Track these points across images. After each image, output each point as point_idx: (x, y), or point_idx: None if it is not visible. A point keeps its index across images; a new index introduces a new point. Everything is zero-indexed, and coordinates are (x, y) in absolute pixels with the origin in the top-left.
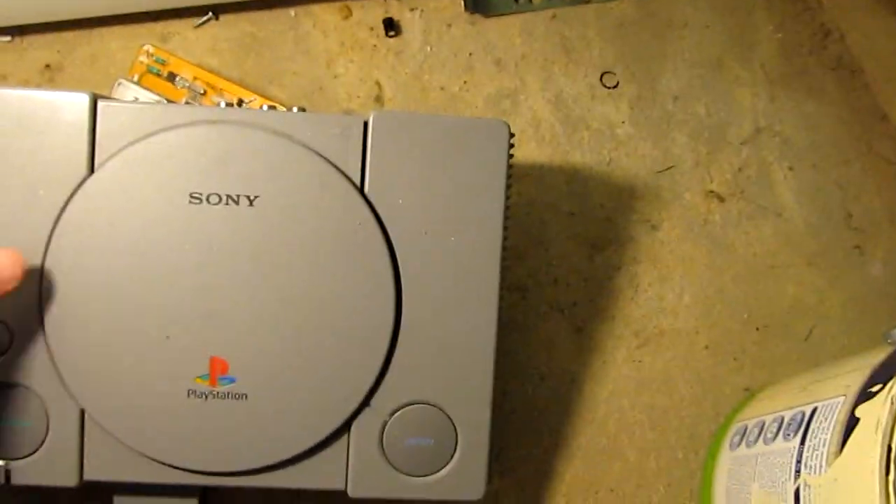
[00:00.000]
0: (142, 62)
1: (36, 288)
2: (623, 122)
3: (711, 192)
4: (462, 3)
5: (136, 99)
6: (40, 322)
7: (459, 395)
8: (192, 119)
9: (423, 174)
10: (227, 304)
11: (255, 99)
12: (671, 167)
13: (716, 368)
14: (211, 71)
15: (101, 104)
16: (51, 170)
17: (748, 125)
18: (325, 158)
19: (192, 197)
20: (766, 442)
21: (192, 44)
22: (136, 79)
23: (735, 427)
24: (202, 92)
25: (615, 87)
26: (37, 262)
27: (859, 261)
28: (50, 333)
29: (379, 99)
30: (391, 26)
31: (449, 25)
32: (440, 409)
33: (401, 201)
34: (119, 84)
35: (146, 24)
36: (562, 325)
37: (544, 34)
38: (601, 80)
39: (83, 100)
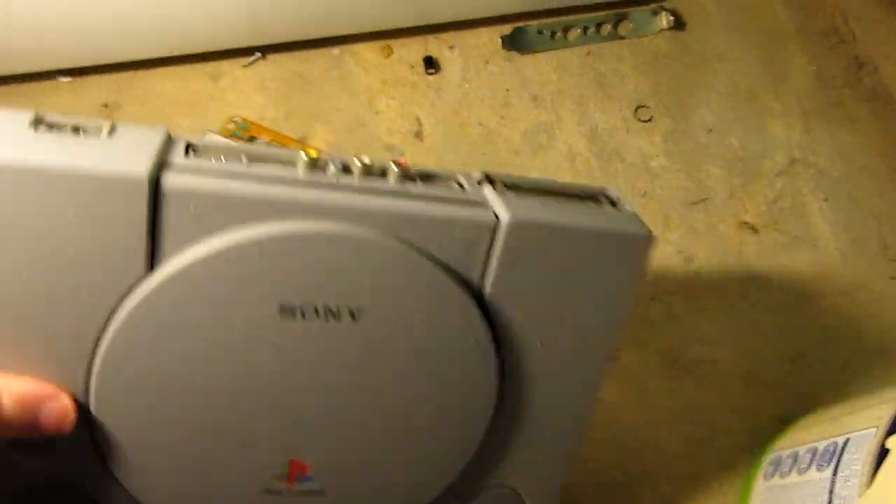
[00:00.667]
0: (228, 127)
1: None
2: (657, 155)
3: (746, 223)
4: (499, 40)
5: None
6: (88, 420)
7: (536, 478)
8: (282, 206)
9: (552, 286)
10: (312, 412)
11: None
12: (705, 199)
13: (750, 399)
14: (280, 132)
15: (168, 180)
16: (100, 262)
17: (782, 157)
18: (443, 265)
19: (282, 309)
20: (799, 472)
21: (241, 82)
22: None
23: (769, 457)
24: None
25: (649, 120)
26: (83, 363)
27: (895, 292)
28: (100, 430)
29: (419, 134)
30: (431, 64)
31: (486, 62)
32: (514, 490)
33: (522, 313)
34: (205, 135)
35: (197, 64)
36: None
37: (579, 69)
38: (635, 113)
39: (140, 175)
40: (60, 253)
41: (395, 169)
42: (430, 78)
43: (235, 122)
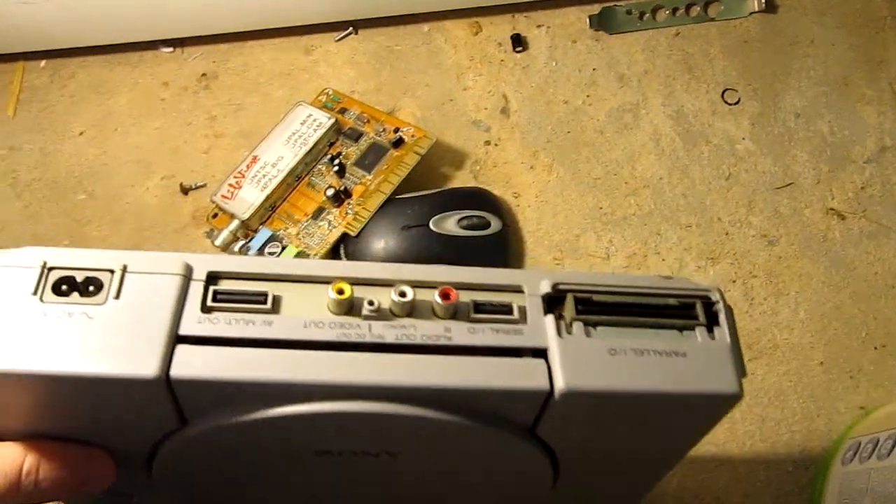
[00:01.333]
0: (320, 99)
1: None
2: (743, 139)
3: (832, 209)
4: (587, 20)
5: (310, 116)
6: None
7: None
8: (304, 389)
9: (616, 428)
10: None
11: (411, 128)
12: (791, 184)
13: (830, 385)
14: (370, 105)
15: (177, 372)
16: (134, 420)
17: (873, 144)
18: (489, 416)
19: (318, 452)
20: (879, 458)
21: (333, 56)
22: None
23: (848, 443)
24: (367, 121)
25: (736, 103)
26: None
27: None
28: None
29: (505, 111)
30: (518, 42)
31: (574, 41)
32: None
33: (579, 444)
34: (298, 105)
35: (292, 37)
36: None
37: (667, 51)
38: (723, 96)
39: (148, 376)
40: (97, 412)
41: (440, 303)
42: (518, 56)
43: (327, 95)
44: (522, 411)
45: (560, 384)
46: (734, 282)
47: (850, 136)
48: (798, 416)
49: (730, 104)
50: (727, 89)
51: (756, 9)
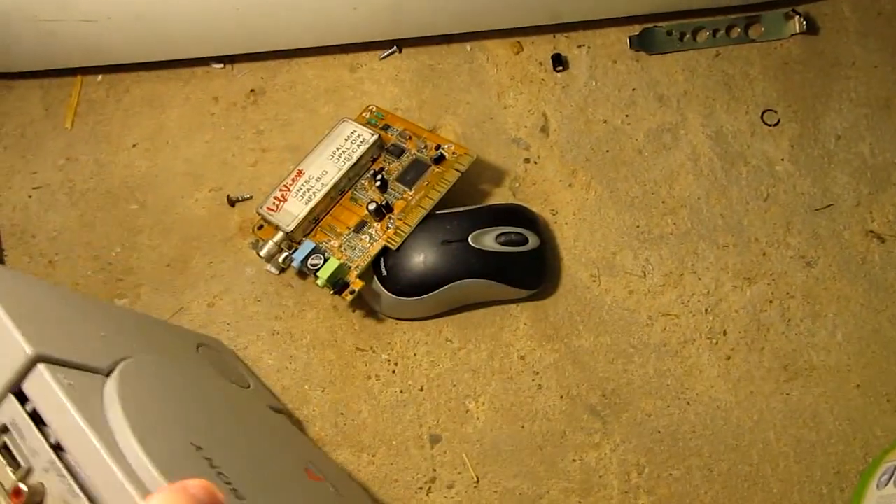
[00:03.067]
0: (364, 116)
1: None
2: (783, 160)
3: (872, 232)
4: (627, 41)
5: (354, 132)
6: None
7: None
8: None
9: None
10: None
11: (452, 145)
12: (830, 205)
13: (867, 408)
14: (413, 122)
15: None
16: None
17: None
18: None
19: None
20: None
21: (377, 73)
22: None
23: (884, 467)
24: (409, 138)
25: (776, 124)
26: None
27: None
28: None
29: (545, 129)
30: (559, 62)
31: (614, 62)
32: None
33: None
34: (343, 121)
35: (338, 55)
36: (711, 352)
37: (707, 71)
38: (762, 117)
39: None
40: None
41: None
42: (558, 75)
43: (371, 111)
44: None
45: None
46: (771, 302)
47: (892, 158)
48: (834, 438)
49: (769, 125)
50: (767, 110)
51: (797, 31)
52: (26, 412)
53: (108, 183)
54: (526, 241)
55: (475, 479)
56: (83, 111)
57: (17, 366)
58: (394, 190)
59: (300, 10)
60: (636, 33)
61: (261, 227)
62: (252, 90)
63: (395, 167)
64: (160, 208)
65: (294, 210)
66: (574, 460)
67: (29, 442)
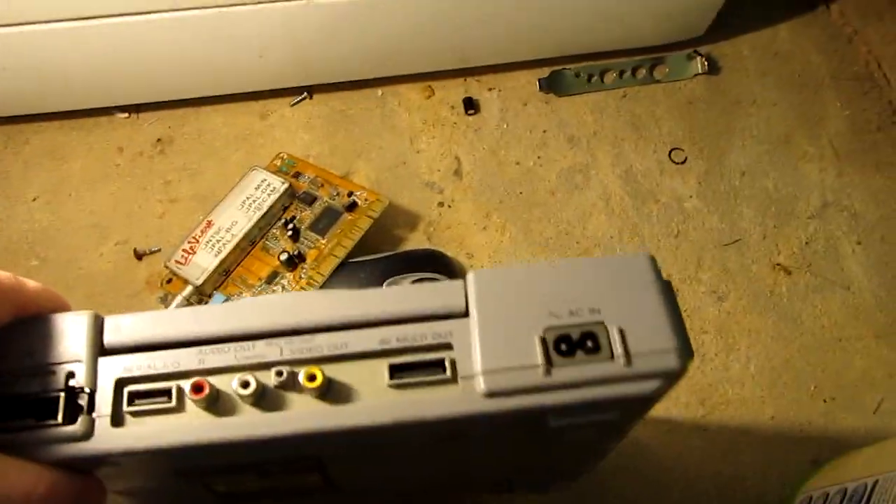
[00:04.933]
0: (275, 164)
1: None
2: (691, 196)
3: (778, 265)
4: (537, 83)
5: (264, 181)
6: None
7: None
8: None
9: None
10: None
11: (364, 191)
12: (738, 240)
13: (782, 439)
14: (325, 168)
15: None
16: None
17: (816, 200)
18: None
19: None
20: None
21: (288, 120)
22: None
23: (800, 498)
24: (321, 185)
25: (683, 162)
26: None
27: None
28: None
29: (458, 172)
30: (470, 105)
31: (525, 104)
32: None
33: None
34: (253, 170)
35: (247, 102)
36: None
37: (615, 112)
38: (670, 155)
39: None
40: None
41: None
42: (470, 118)
43: (282, 159)
44: None
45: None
46: None
47: (794, 192)
48: (751, 471)
49: (677, 163)
50: (674, 149)
51: (700, 71)
52: None
53: (6, 238)
54: None
55: None
56: None
57: None
58: (306, 239)
59: (205, 58)
60: (545, 76)
61: (170, 281)
62: (159, 139)
63: (307, 215)
64: (62, 264)
65: (203, 262)
66: None
67: None
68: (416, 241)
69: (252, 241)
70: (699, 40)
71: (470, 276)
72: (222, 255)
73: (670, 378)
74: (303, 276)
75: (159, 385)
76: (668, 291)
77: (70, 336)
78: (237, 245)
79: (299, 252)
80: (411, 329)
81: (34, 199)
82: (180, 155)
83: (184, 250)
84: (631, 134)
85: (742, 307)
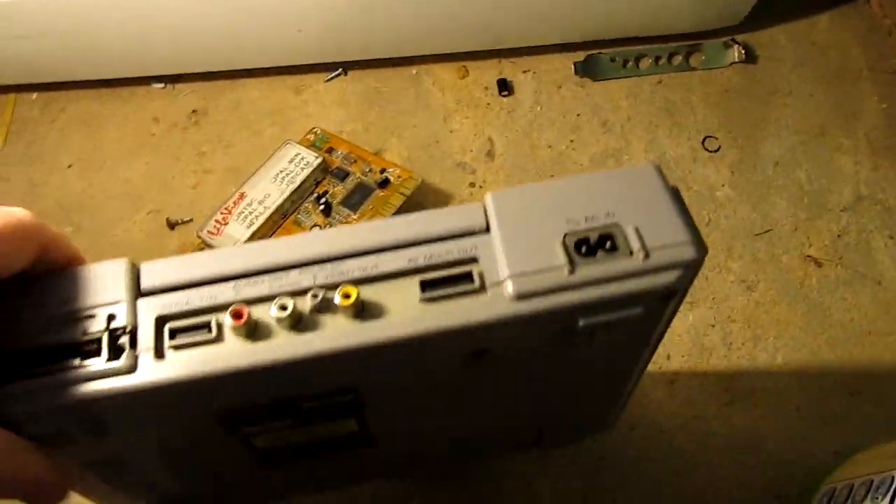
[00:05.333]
0: (308, 138)
1: None
2: (723, 185)
3: (809, 256)
4: (572, 67)
5: (298, 155)
6: None
7: None
8: None
9: None
10: None
11: (397, 169)
12: (769, 230)
13: (806, 430)
14: (358, 145)
15: None
16: None
17: (849, 192)
18: None
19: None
20: None
21: (322, 96)
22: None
23: (824, 489)
24: (354, 161)
25: (717, 150)
26: None
27: None
28: None
29: (490, 154)
30: (504, 86)
31: (559, 87)
32: None
33: None
34: (286, 144)
35: (283, 76)
36: (654, 377)
37: (650, 98)
38: (703, 143)
39: None
40: None
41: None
42: (504, 100)
43: (315, 134)
44: None
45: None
46: (713, 326)
47: (827, 184)
48: (773, 461)
49: (710, 151)
50: (708, 137)
51: (736, 59)
52: None
53: (41, 204)
54: None
55: None
56: (16, 130)
57: None
58: (338, 214)
59: (244, 30)
60: (580, 60)
61: (201, 251)
62: (194, 111)
63: (339, 191)
64: (96, 231)
65: (235, 234)
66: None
67: None
68: None
69: (284, 214)
70: (737, 28)
71: (487, 197)
72: (254, 227)
73: (687, 269)
74: None
75: (198, 319)
76: (676, 195)
77: (108, 281)
78: (269, 217)
79: (331, 226)
80: (437, 247)
81: (69, 167)
82: (215, 127)
83: (216, 221)
84: (665, 120)
85: (771, 297)
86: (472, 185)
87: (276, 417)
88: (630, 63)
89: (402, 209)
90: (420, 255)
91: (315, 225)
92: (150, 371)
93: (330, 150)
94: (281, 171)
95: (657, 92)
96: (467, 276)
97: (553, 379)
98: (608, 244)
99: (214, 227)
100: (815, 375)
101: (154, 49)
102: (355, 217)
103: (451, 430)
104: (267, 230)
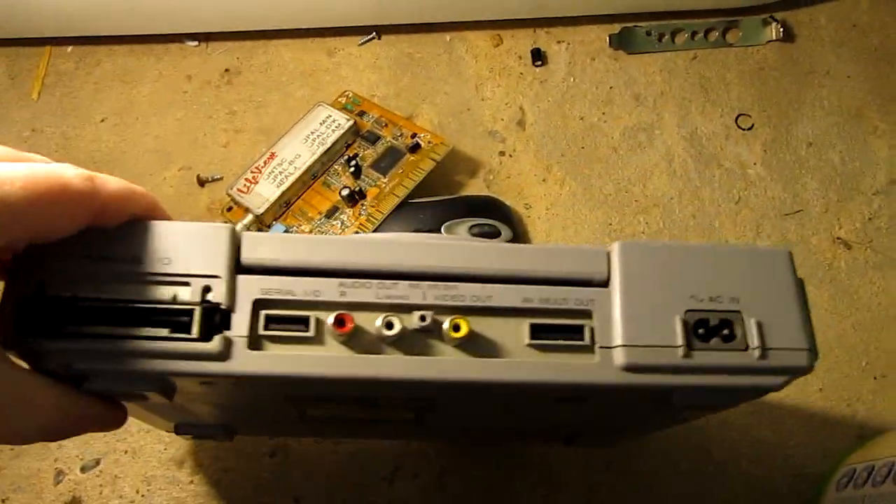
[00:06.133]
0: (340, 101)
1: None
2: (755, 164)
3: (839, 238)
4: (607, 39)
5: (329, 117)
6: None
7: None
8: None
9: None
10: None
11: (428, 134)
12: (799, 211)
13: (828, 412)
14: (389, 109)
15: None
16: None
17: (882, 176)
18: None
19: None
20: (874, 485)
21: (355, 59)
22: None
23: (843, 469)
24: (385, 125)
25: (750, 128)
26: None
27: None
28: None
29: (521, 123)
30: (538, 56)
31: (593, 59)
32: None
33: None
34: (318, 105)
35: (316, 38)
36: None
37: (684, 73)
38: (736, 121)
39: None
40: None
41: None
42: (537, 70)
43: (347, 97)
44: None
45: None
46: None
47: (861, 167)
48: (794, 440)
49: (743, 129)
50: (741, 114)
51: (774, 37)
52: None
53: (74, 157)
54: (499, 234)
55: None
56: (51, 83)
57: None
58: (367, 177)
59: None
60: (616, 32)
61: (230, 209)
62: (227, 70)
63: (369, 154)
64: None
65: (265, 193)
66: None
67: None
68: (475, 188)
69: (314, 175)
70: (775, 6)
71: (615, 247)
72: (284, 187)
73: (796, 375)
74: (362, 212)
75: (298, 312)
76: (802, 289)
77: (208, 248)
78: (299, 178)
79: (360, 189)
80: (553, 291)
81: (102, 121)
82: (247, 86)
83: (246, 179)
84: (699, 96)
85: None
86: (502, 153)
87: (346, 404)
88: (665, 37)
89: (431, 175)
90: (535, 297)
91: (344, 187)
92: (244, 361)
93: (361, 114)
94: (312, 133)
95: (692, 67)
96: (578, 331)
97: (619, 414)
98: (726, 331)
99: (244, 185)
100: (840, 358)
101: (189, 6)
102: (385, 180)
103: (497, 426)
104: (296, 190)
